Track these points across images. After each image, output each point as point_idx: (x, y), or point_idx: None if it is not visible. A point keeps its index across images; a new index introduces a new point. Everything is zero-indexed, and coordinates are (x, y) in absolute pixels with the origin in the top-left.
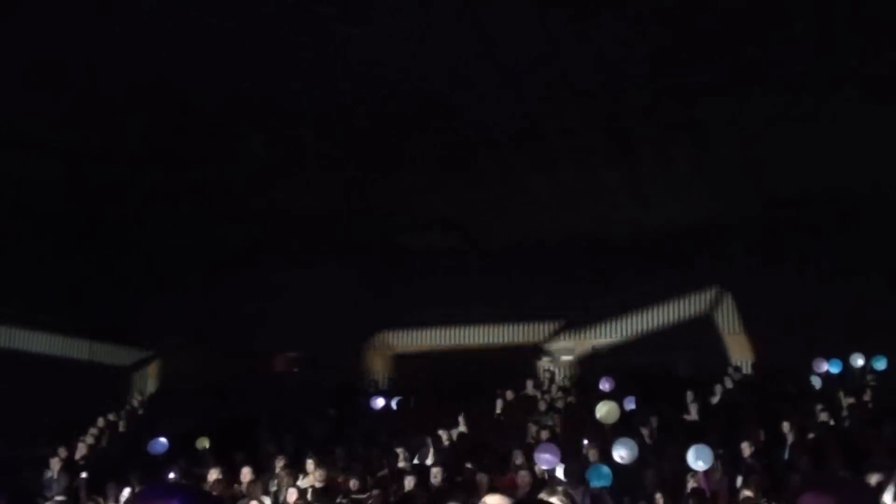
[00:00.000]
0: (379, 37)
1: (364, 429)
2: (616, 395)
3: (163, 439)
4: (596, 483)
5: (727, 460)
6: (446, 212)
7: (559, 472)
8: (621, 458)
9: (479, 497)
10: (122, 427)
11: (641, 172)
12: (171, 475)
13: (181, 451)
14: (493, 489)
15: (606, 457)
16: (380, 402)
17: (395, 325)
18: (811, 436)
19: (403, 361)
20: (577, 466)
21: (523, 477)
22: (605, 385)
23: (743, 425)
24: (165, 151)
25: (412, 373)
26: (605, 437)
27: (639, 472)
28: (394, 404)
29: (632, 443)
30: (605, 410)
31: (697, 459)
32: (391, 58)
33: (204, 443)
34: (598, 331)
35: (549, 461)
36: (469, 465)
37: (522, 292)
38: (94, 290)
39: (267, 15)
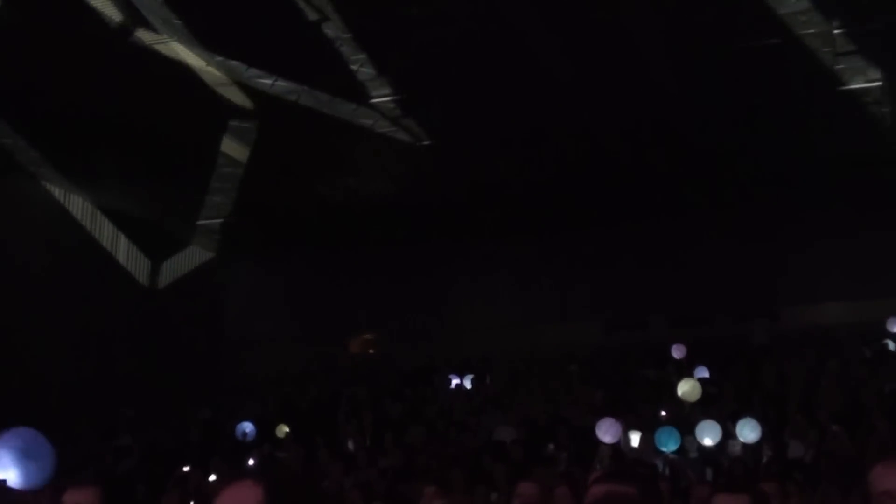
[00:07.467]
0: None
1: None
2: (688, 363)
3: (249, 424)
4: (666, 447)
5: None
6: None
7: (634, 443)
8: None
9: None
10: (203, 414)
11: None
12: (251, 461)
13: (262, 437)
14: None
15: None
16: (454, 382)
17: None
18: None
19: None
20: (651, 436)
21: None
22: (676, 353)
23: (821, 391)
24: None
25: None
26: (683, 408)
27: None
28: (467, 383)
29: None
30: (687, 387)
31: (745, 431)
32: None
33: (283, 429)
34: None
35: (610, 434)
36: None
37: None
38: None
39: None
